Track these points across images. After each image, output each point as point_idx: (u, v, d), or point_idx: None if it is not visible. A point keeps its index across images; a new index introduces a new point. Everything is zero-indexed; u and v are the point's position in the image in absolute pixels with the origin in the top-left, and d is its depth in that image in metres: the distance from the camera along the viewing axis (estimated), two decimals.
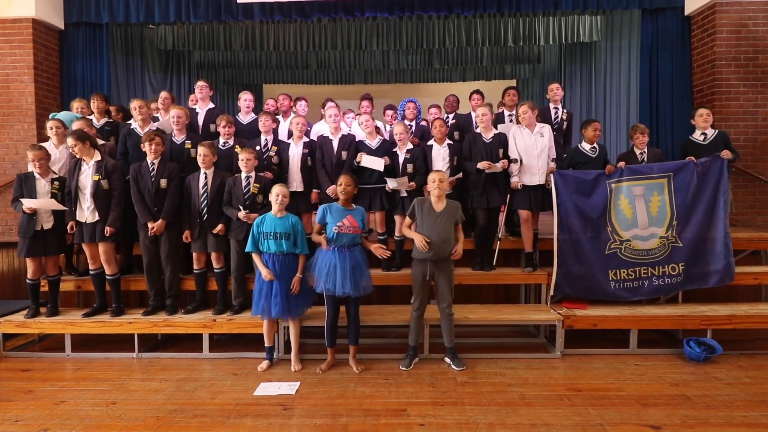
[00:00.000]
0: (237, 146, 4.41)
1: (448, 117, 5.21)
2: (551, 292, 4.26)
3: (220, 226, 4.01)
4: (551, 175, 4.24)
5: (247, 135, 4.60)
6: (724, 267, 4.12)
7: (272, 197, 3.64)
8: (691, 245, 4.14)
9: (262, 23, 8.17)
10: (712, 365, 3.71)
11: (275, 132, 4.72)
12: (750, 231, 5.00)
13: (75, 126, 4.25)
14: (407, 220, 3.71)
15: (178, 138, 4.37)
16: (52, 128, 4.31)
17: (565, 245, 4.21)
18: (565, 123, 4.84)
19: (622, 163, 4.26)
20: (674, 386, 3.34)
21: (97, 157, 3.99)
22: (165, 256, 4.11)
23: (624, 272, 4.17)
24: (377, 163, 4.26)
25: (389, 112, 5.39)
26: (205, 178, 4.04)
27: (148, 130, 4.37)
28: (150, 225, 3.99)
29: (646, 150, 4.50)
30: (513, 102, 5.06)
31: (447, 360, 3.75)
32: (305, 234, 3.73)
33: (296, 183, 4.40)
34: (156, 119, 4.79)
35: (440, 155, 4.40)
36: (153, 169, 4.02)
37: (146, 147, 3.98)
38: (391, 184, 4.26)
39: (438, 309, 3.75)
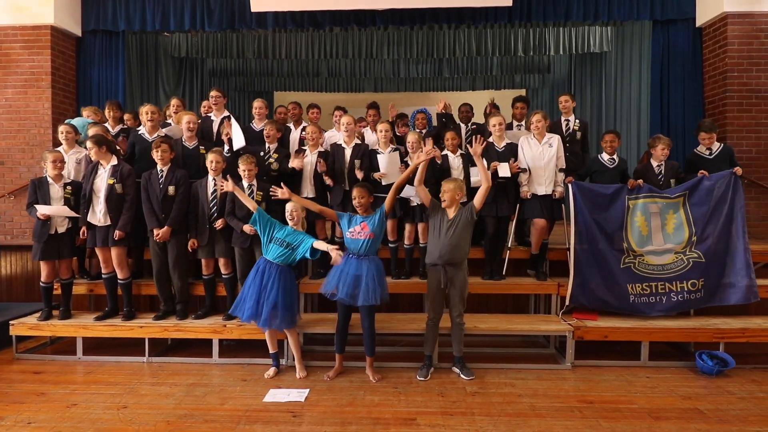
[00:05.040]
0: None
1: (468, 127, 5.19)
2: (567, 302, 4.22)
3: (220, 221, 4.02)
4: (569, 186, 4.22)
5: (259, 141, 4.64)
6: (746, 283, 4.08)
7: (287, 214, 3.67)
8: (711, 260, 4.11)
9: (275, 32, 8.26)
10: (724, 379, 3.67)
11: (281, 140, 4.76)
12: (763, 243, 4.94)
13: (91, 131, 4.31)
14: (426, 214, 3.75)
15: (190, 144, 4.43)
16: (62, 133, 4.37)
17: (583, 255, 4.18)
18: (579, 133, 4.82)
19: (640, 181, 4.25)
20: (686, 400, 3.31)
21: (114, 161, 4.04)
22: (172, 263, 4.14)
23: (639, 287, 4.14)
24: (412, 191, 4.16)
25: (398, 121, 5.43)
26: (215, 184, 4.08)
27: (157, 135, 4.43)
28: (156, 231, 4.03)
29: (664, 163, 4.47)
30: (522, 114, 5.07)
31: (455, 369, 3.73)
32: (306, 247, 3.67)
33: (308, 190, 4.44)
34: (167, 125, 4.85)
35: (455, 165, 4.42)
36: (162, 175, 4.06)
37: (154, 154, 4.03)
38: (409, 190, 4.22)
39: (449, 318, 3.75)
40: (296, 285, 3.86)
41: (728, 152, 4.53)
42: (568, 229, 4.31)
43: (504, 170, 4.24)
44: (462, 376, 3.65)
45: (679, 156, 6.01)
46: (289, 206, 3.68)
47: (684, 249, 4.15)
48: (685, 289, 4.12)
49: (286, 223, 3.70)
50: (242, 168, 3.98)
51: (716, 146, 4.56)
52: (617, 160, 4.44)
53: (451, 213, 3.63)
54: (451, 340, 3.76)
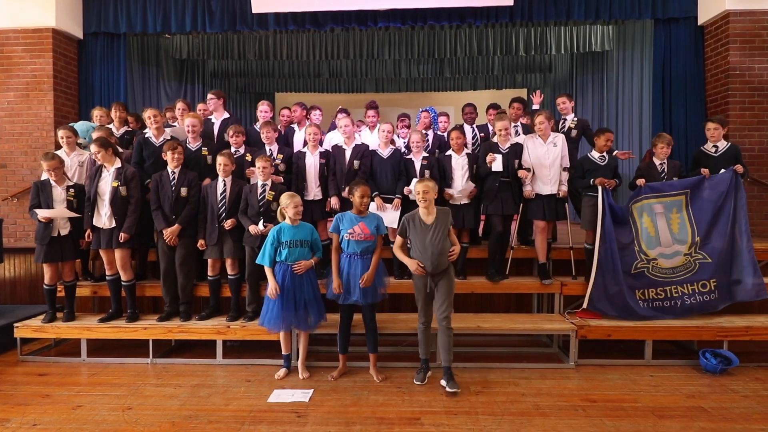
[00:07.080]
0: (248, 154, 4.48)
1: (474, 128, 5.19)
2: (585, 305, 4.15)
3: (230, 221, 4.04)
4: (599, 188, 4.15)
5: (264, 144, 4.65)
6: (754, 281, 4.05)
7: (290, 210, 3.61)
8: (718, 260, 4.10)
9: (276, 33, 8.27)
10: (728, 377, 3.67)
11: (279, 140, 4.77)
12: (766, 242, 4.94)
13: (96, 135, 4.33)
14: (398, 239, 3.53)
15: (193, 145, 4.45)
16: (62, 137, 4.38)
17: (606, 258, 4.11)
18: (574, 131, 4.82)
19: (641, 181, 4.24)
20: (690, 398, 3.31)
21: (118, 164, 4.06)
22: (179, 263, 4.15)
23: (653, 291, 4.12)
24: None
25: (401, 120, 5.44)
26: (224, 185, 4.10)
27: (164, 139, 4.45)
28: (165, 232, 4.04)
29: (666, 162, 4.47)
30: (517, 114, 5.07)
31: (442, 383, 3.40)
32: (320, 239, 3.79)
33: (313, 192, 4.44)
34: (171, 127, 4.86)
35: (459, 165, 4.42)
36: (174, 177, 4.09)
37: (168, 156, 4.06)
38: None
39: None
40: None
41: (734, 151, 4.45)
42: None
43: (497, 165, 4.22)
44: (448, 389, 3.35)
45: (681, 155, 6.01)
46: (287, 199, 3.58)
47: (690, 251, 4.14)
48: (697, 291, 4.09)
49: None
50: (259, 165, 4.03)
51: (723, 144, 4.50)
52: (607, 158, 4.43)
53: (428, 219, 3.44)
54: (438, 347, 3.58)
